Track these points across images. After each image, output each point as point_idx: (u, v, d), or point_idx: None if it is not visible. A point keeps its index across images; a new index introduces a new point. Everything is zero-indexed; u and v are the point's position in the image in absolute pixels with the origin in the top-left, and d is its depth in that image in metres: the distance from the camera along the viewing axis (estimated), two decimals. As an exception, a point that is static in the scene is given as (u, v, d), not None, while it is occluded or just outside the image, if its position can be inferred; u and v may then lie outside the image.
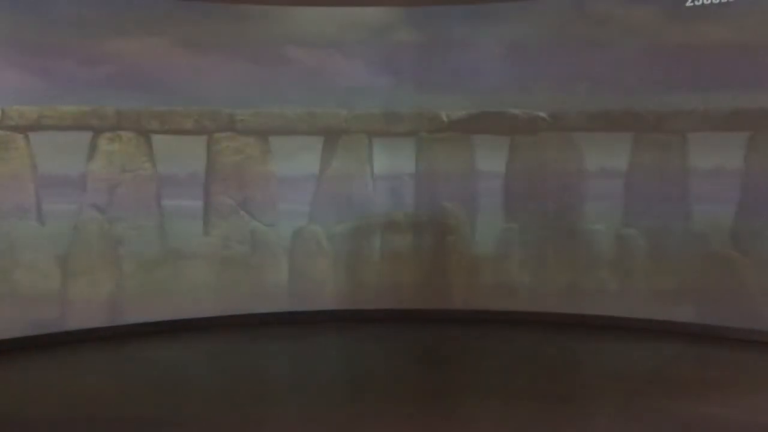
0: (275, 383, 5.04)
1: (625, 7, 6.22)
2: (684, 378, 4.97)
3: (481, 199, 6.76)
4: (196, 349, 5.79)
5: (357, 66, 6.65)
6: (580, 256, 6.48)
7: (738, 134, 5.90)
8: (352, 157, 6.73)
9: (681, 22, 5.98)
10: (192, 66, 6.29)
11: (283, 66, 6.53)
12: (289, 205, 6.65)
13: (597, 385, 4.79)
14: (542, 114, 6.53)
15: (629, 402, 4.37)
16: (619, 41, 6.22)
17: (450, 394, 4.66)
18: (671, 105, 6.12)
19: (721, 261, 5.93)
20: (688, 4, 5.89)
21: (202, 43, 6.32)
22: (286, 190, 6.66)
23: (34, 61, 5.76)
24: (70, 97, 5.92)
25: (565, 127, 6.50)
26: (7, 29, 5.62)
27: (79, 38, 5.90)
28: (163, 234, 6.36)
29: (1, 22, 5.60)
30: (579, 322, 6.31)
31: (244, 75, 6.45)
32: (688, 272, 6.08)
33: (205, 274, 6.45)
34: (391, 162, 6.79)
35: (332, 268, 6.69)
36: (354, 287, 6.74)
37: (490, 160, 6.71)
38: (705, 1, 5.83)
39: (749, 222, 5.86)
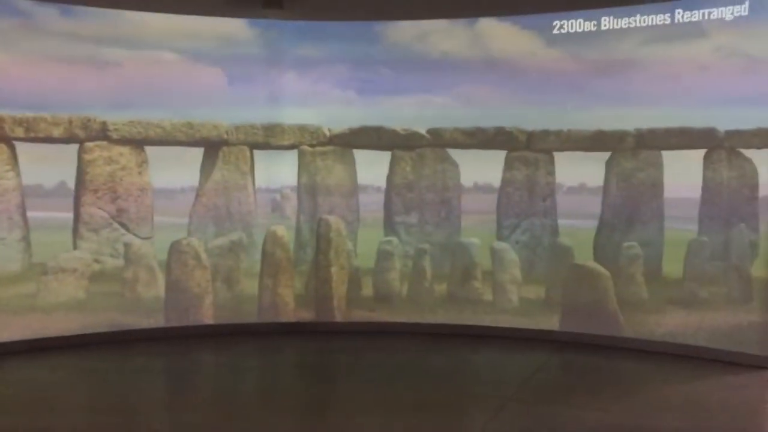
0: (150, 401, 4.85)
1: (500, 31, 6.55)
2: (554, 383, 5.28)
3: (362, 212, 6.87)
4: (65, 368, 5.47)
5: (225, 76, 6.57)
6: (457, 269, 6.72)
7: (599, 154, 6.35)
8: (233, 169, 6.65)
9: (550, 47, 6.38)
10: (57, 72, 5.99)
11: (153, 73, 6.35)
12: (166, 217, 6.47)
13: (473, 393, 4.99)
14: (421, 130, 6.74)
15: (504, 408, 4.58)
16: (492, 63, 6.54)
17: (332, 407, 4.69)
18: (539, 125, 6.49)
19: (585, 272, 6.33)
20: (555, 31, 6.30)
21: (67, 48, 6.03)
22: (163, 201, 6.47)
23: None
24: None
25: (442, 144, 6.74)
26: None
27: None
28: (28, 247, 5.99)
29: None
30: (456, 333, 6.53)
31: (113, 81, 6.21)
32: (555, 283, 6.46)
33: (74, 290, 6.12)
34: (272, 175, 6.77)
35: (211, 281, 6.54)
36: (234, 301, 6.62)
37: (371, 174, 6.85)
38: (570, 30, 6.25)
39: (609, 237, 6.32)
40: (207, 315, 6.53)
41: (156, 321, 6.38)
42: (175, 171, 6.52)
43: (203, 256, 6.49)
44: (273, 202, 6.82)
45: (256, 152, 6.71)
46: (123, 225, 6.32)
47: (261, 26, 6.58)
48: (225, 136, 6.60)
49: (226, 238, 6.62)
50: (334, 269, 6.69)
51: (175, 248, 6.43)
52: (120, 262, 6.30)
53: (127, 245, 6.31)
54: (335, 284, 6.71)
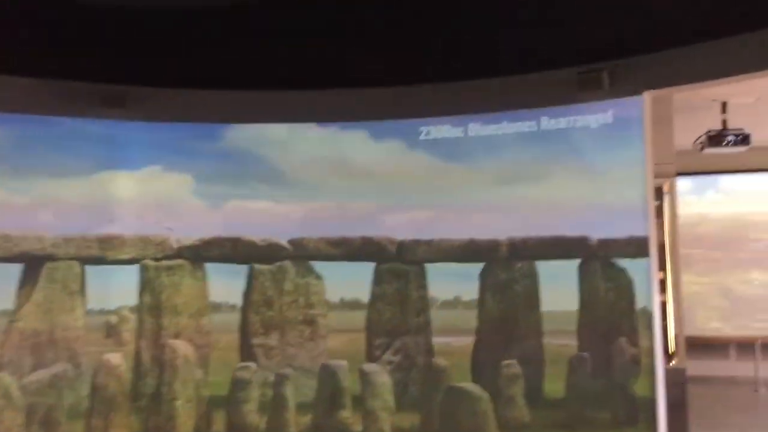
0: None
1: (362, 136, 6.20)
2: None
3: (214, 334, 6.06)
4: None
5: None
6: (322, 395, 5.98)
7: (472, 265, 5.95)
8: (59, 289, 5.73)
9: (416, 152, 6.07)
10: None
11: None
12: (-32, 349, 5.41)
13: None
14: (282, 241, 6.14)
15: None
16: (355, 169, 6.14)
17: None
18: (410, 234, 6.05)
19: (462, 395, 5.77)
20: (422, 137, 6.02)
21: None
22: (-33, 330, 5.43)
23: None
24: None
25: (305, 255, 6.14)
26: None
27: None
28: None
29: None
30: (322, 471, 5.73)
31: None
32: (431, 408, 5.84)
33: None
34: (108, 293, 5.89)
35: (24, 425, 5.45)
36: (54, 447, 5.55)
37: (226, 290, 6.12)
38: (435, 136, 6.00)
39: (487, 354, 5.83)
40: (17, 467, 5.40)
41: (-52, 480, 5.19)
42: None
43: (15, 394, 5.44)
44: (107, 326, 5.89)
45: (88, 268, 5.84)
46: None
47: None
48: (50, 250, 5.70)
49: (47, 371, 5.60)
50: (179, 402, 5.80)
51: (-22, 386, 5.36)
52: None
53: None
54: (181, 420, 5.80)
